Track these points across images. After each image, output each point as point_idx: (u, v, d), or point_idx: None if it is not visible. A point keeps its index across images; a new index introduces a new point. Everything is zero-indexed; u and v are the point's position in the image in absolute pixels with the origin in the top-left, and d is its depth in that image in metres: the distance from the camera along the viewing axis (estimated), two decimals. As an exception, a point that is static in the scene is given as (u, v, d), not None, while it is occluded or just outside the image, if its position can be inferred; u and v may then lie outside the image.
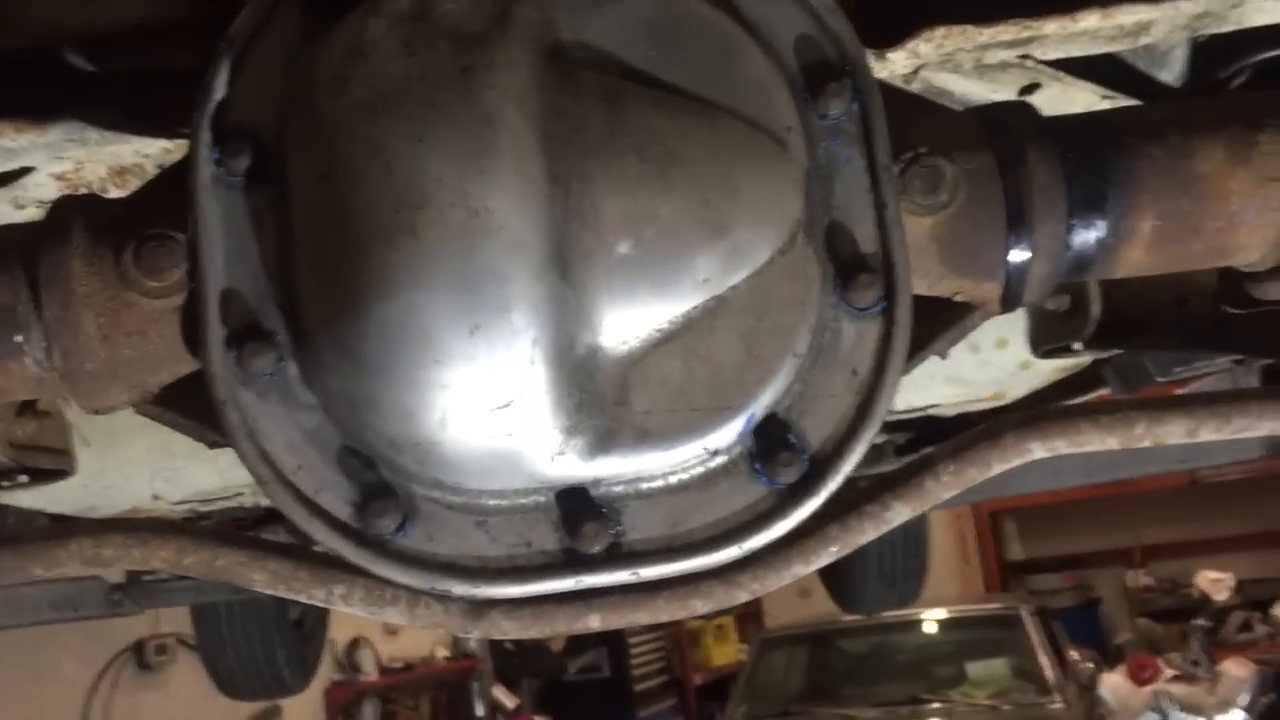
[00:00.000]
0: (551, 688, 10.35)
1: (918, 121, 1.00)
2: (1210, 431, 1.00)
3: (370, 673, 8.38)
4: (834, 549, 1.00)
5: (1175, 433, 1.00)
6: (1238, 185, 0.99)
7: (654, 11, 0.94)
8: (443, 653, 9.12)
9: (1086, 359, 2.21)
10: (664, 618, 1.00)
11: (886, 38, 1.36)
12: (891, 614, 7.15)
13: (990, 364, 2.39)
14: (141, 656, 6.95)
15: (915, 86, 1.46)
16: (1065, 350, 1.84)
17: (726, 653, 11.21)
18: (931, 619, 8.52)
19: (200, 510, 2.71)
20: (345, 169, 0.85)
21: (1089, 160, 0.99)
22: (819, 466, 0.93)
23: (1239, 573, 11.16)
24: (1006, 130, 0.99)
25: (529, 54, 0.88)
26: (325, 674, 7.82)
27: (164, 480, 2.27)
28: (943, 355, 1.06)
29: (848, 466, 0.93)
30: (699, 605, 0.99)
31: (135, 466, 2.20)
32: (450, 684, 9.22)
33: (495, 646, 9.44)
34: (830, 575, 4.84)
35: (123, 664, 6.87)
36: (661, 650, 11.17)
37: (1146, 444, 1.01)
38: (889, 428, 3.04)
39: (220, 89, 0.92)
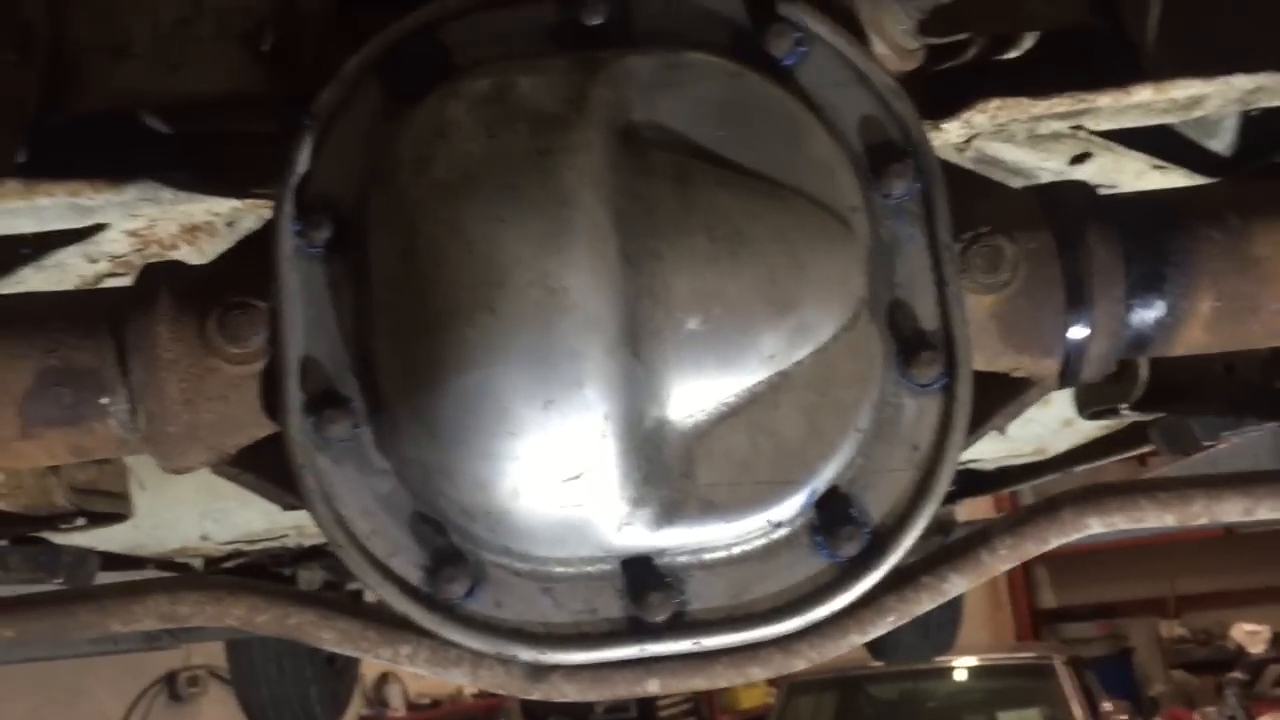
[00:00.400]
0: (578, 727, 10.31)
1: (979, 201, 1.02)
2: (1266, 511, 1.01)
3: (398, 709, 8.39)
4: (891, 619, 1.01)
5: (1233, 511, 1.01)
6: None
7: (724, 92, 0.96)
8: (470, 690, 9.12)
9: (1130, 419, 2.22)
10: (722, 684, 1.01)
11: (943, 109, 1.38)
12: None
13: (1033, 420, 2.39)
14: (173, 688, 7.00)
15: (968, 154, 1.49)
16: (1112, 413, 1.84)
17: (755, 696, 11.12)
18: (963, 666, 8.42)
19: (244, 550, 2.75)
20: (426, 246, 0.88)
21: (1148, 241, 1.00)
22: (880, 540, 0.94)
23: (1275, 625, 10.99)
24: (1066, 210, 1.01)
25: (603, 135, 0.91)
26: (354, 709, 7.82)
27: (213, 521, 2.30)
28: (1001, 430, 1.08)
29: (909, 541, 0.94)
30: (757, 672, 1.01)
31: (185, 507, 2.23)
32: (477, 721, 9.21)
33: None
34: (863, 623, 4.81)
35: (155, 695, 6.92)
36: (690, 693, 11.10)
37: (1203, 521, 1.02)
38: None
39: (303, 163, 0.96)
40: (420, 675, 8.66)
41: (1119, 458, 2.50)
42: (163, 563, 2.64)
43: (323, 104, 0.97)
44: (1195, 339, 1.03)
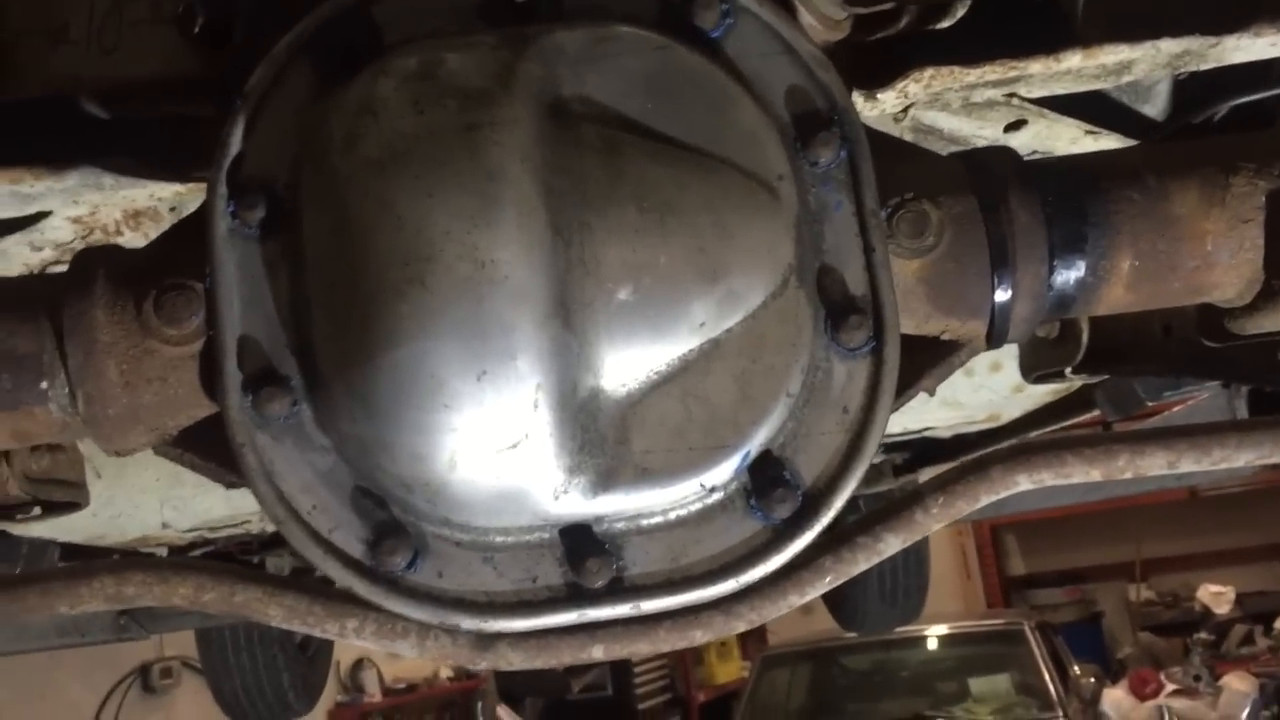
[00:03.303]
0: (555, 707, 10.35)
1: (904, 167, 1.04)
2: (1190, 463, 1.04)
3: (374, 693, 8.40)
4: (828, 579, 1.03)
5: (1156, 465, 1.03)
6: (1212, 226, 1.03)
7: (651, 65, 0.98)
8: (446, 673, 9.14)
9: (1077, 383, 2.25)
10: (665, 648, 1.03)
11: (878, 79, 1.40)
12: (894, 631, 7.16)
13: (985, 387, 2.43)
14: (147, 680, 6.97)
15: (905, 124, 1.51)
16: (1056, 376, 1.87)
17: (730, 670, 11.21)
18: (934, 635, 8.52)
19: (208, 537, 2.75)
20: (357, 222, 0.89)
21: (1069, 203, 1.03)
22: (812, 502, 0.96)
23: (1240, 586, 11.15)
24: (989, 175, 1.03)
25: (531, 109, 0.92)
26: (329, 695, 7.83)
27: (173, 509, 2.30)
28: (930, 392, 1.10)
29: (840, 501, 0.97)
30: (699, 635, 1.03)
31: (144, 496, 2.24)
32: (454, 704, 9.23)
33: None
34: (831, 594, 4.86)
35: (128, 687, 6.89)
36: (665, 669, 11.17)
37: (1128, 475, 1.04)
38: (888, 448, 3.08)
39: (236, 144, 0.97)
40: (396, 659, 8.68)
41: (1071, 421, 2.54)
42: (126, 553, 2.64)
43: (254, 85, 0.97)
44: (1118, 298, 1.06)
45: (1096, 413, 2.27)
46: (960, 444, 2.89)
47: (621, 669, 10.40)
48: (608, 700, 10.42)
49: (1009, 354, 2.23)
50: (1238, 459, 1.04)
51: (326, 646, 4.86)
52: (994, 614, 10.19)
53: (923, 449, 3.03)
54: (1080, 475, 1.04)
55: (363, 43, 0.98)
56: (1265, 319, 1.07)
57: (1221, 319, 1.12)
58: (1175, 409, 2.49)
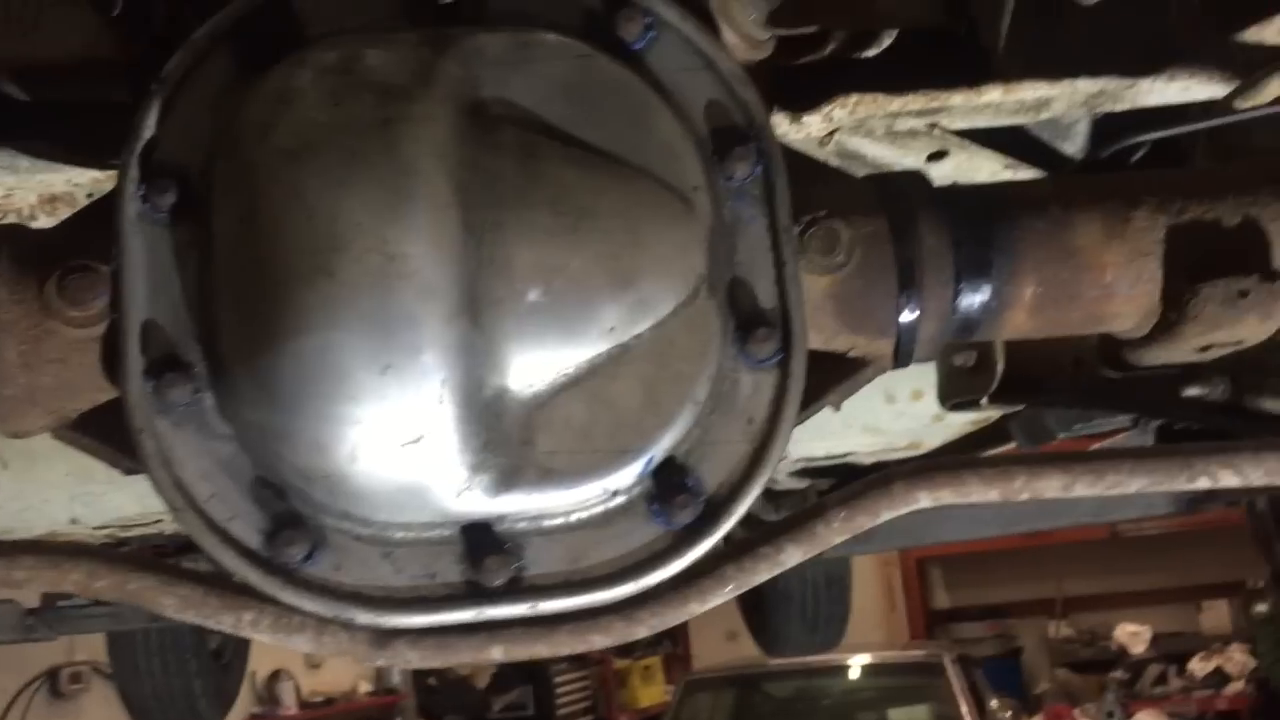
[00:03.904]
0: (475, 726, 10.26)
1: (818, 186, 1.06)
2: (1084, 487, 1.06)
3: (290, 706, 8.26)
4: (729, 588, 1.04)
5: (1052, 487, 1.06)
6: (1112, 258, 1.06)
7: (573, 73, 0.99)
8: (365, 687, 9.02)
9: (996, 413, 2.29)
10: (564, 650, 1.03)
11: (804, 103, 1.43)
12: (817, 659, 7.22)
13: (906, 414, 2.46)
14: (55, 684, 6.80)
15: (830, 148, 1.54)
16: (972, 404, 1.90)
17: (653, 694, 11.19)
18: (856, 665, 8.59)
19: (120, 536, 2.69)
20: (267, 211, 0.89)
21: (976, 229, 1.05)
22: (714, 509, 0.97)
23: (1156, 626, 11.39)
24: (900, 198, 1.06)
25: (449, 108, 0.93)
26: (243, 706, 7.69)
27: (82, 505, 2.26)
28: (835, 407, 1.12)
29: (741, 509, 0.98)
30: (598, 639, 1.03)
31: (53, 490, 2.19)
32: (372, 720, 9.11)
33: (419, 682, 9.34)
34: (754, 618, 4.89)
35: (35, 692, 6.72)
36: (588, 689, 11.12)
37: (1025, 497, 1.07)
38: (812, 473, 3.11)
39: (150, 127, 0.96)
40: (315, 672, 8.55)
41: (992, 452, 2.58)
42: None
43: (171, 69, 0.97)
44: (1020, 324, 1.08)
45: (1013, 445, 2.31)
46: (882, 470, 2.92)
47: (544, 689, 10.34)
48: (529, 720, 10.35)
49: (930, 382, 2.27)
50: (1130, 485, 1.07)
51: (241, 655, 4.77)
52: (916, 646, 10.29)
53: (846, 475, 3.06)
54: (979, 495, 1.07)
55: (284, 34, 0.98)
56: (1161, 351, 1.10)
57: (1121, 349, 1.15)
58: (1098, 446, 2.54)
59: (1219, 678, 10.43)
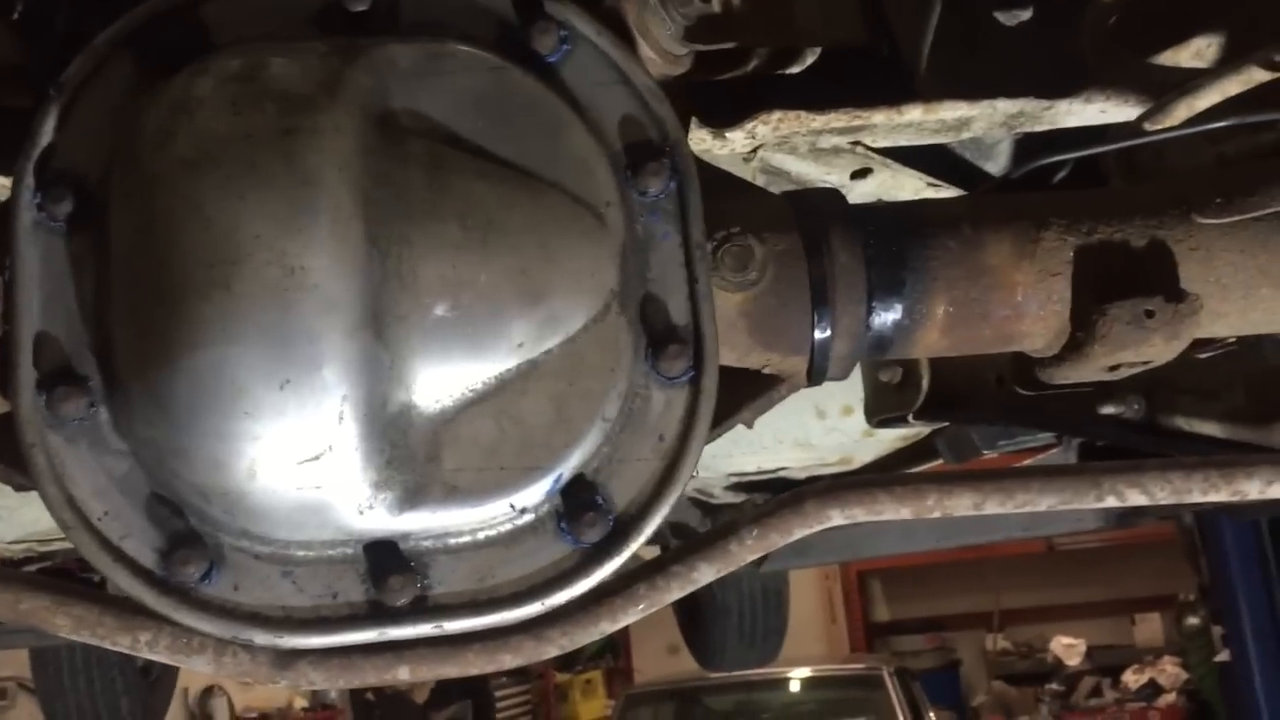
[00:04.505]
0: (414, 742, 10.14)
1: (733, 202, 1.06)
2: (995, 505, 1.07)
3: (223, 723, 8.13)
4: (641, 606, 1.03)
5: (962, 505, 1.06)
6: (1023, 277, 1.07)
7: (485, 86, 0.98)
8: (301, 703, 8.89)
9: (924, 429, 2.31)
10: (474, 670, 1.02)
11: (728, 118, 1.43)
12: (757, 672, 7.22)
13: (836, 430, 2.48)
14: (-23, 702, 6.63)
15: (754, 165, 1.54)
16: (899, 421, 1.92)
17: (594, 708, 11.15)
18: (796, 677, 8.62)
19: (39, 550, 2.63)
20: (164, 221, 0.87)
21: (889, 247, 1.06)
22: (623, 527, 0.96)
23: (1091, 639, 11.55)
24: (815, 215, 1.06)
25: (356, 119, 0.91)
26: (175, 724, 7.55)
27: (-3, 518, 2.20)
28: (749, 424, 1.12)
29: (650, 527, 0.97)
30: (508, 660, 1.02)
31: (-35, 503, 2.13)
32: (308, 736, 8.98)
33: (356, 697, 9.22)
34: (691, 632, 4.88)
35: (-44, 709, 6.54)
36: (528, 704, 11.06)
37: (937, 515, 1.07)
38: (745, 488, 3.11)
39: (47, 134, 0.94)
40: (248, 688, 8.41)
41: (922, 468, 2.60)
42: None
43: (70, 75, 0.95)
44: (933, 342, 1.09)
45: (940, 461, 2.33)
46: (815, 486, 2.93)
47: (484, 703, 10.26)
48: (468, 736, 10.25)
49: (860, 398, 2.28)
50: (1040, 503, 1.08)
51: (170, 672, 4.68)
52: (855, 659, 10.34)
53: (779, 490, 3.07)
54: (891, 513, 1.07)
55: (188, 41, 0.96)
56: (1071, 370, 1.11)
57: (1033, 368, 1.16)
58: (1027, 463, 2.57)
59: (1152, 690, 10.59)
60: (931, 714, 8.55)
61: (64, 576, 2.91)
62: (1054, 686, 9.88)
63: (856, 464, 2.73)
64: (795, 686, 8.65)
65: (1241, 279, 1.07)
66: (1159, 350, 1.06)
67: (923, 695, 8.76)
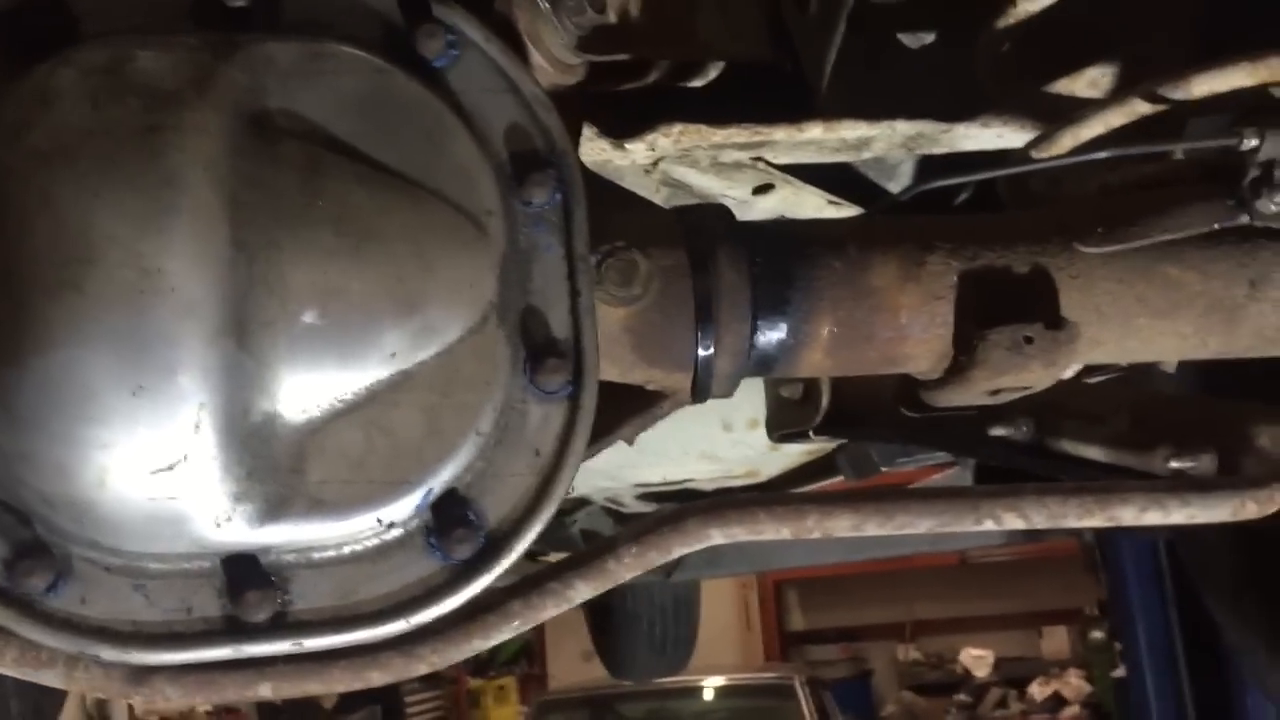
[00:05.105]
0: (321, 746, 9.98)
1: (621, 215, 1.05)
2: (874, 527, 1.07)
3: (123, 726, 7.91)
4: (516, 624, 1.01)
5: (842, 526, 1.06)
6: (907, 300, 1.07)
7: (367, 88, 0.95)
8: (204, 706, 8.69)
9: (828, 445, 2.32)
10: (340, 688, 0.99)
11: (628, 130, 1.42)
12: (671, 680, 7.23)
13: (743, 443, 2.48)
14: None
15: (656, 177, 1.53)
16: (800, 436, 1.92)
17: (506, 715, 11.07)
18: (709, 686, 8.65)
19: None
20: (14, 218, 0.83)
21: (775, 266, 1.05)
22: (495, 543, 0.95)
23: (1000, 651, 11.76)
24: (702, 232, 1.05)
25: (226, 118, 0.88)
26: (71, 726, 7.34)
27: None
28: (629, 441, 1.10)
29: (523, 544, 0.95)
30: (376, 677, 0.99)
31: None
32: (212, 740, 8.79)
33: (261, 702, 9.05)
34: (601, 640, 4.87)
35: None
36: (440, 709, 10.95)
37: (816, 535, 1.07)
38: (654, 498, 3.11)
39: None
40: (150, 691, 8.20)
41: (827, 482, 2.62)
42: None
43: None
44: (817, 362, 1.08)
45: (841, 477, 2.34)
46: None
47: (394, 708, 10.13)
48: (378, 741, 10.11)
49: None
50: (919, 525, 1.08)
51: (63, 674, 4.55)
52: (768, 668, 10.40)
53: (684, 501, 3.07)
54: (771, 532, 1.06)
55: (55, 30, 0.92)
56: (953, 393, 1.12)
57: (918, 390, 1.16)
58: (931, 479, 2.59)
59: (1056, 702, 10.82)
60: (841, 723, 8.63)
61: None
62: (962, 697, 10.04)
63: (763, 477, 2.73)
64: (708, 695, 8.68)
65: (1120, 308, 1.09)
66: (1037, 376, 1.07)
67: (834, 705, 8.85)
